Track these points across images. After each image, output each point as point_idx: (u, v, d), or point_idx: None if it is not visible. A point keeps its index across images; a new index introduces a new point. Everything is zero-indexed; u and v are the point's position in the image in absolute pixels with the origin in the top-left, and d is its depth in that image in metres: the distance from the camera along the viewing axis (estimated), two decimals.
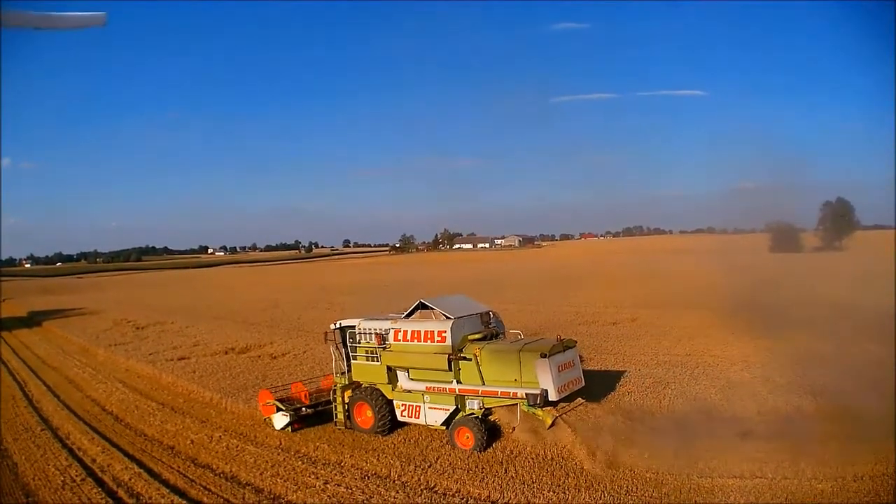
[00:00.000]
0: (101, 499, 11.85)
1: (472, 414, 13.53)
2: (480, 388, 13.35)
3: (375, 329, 14.89)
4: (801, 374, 16.81)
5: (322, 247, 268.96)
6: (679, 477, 11.06)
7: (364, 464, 12.91)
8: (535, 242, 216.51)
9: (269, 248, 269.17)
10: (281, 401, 15.76)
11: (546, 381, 12.45)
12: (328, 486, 11.76)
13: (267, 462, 13.36)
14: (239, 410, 17.41)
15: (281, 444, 14.68)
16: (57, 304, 59.43)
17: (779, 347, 20.01)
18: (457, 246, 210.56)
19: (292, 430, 15.46)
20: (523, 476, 11.58)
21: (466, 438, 13.17)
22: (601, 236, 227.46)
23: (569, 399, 13.40)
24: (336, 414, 15.60)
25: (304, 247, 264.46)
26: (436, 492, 11.30)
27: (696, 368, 19.14)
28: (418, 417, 14.54)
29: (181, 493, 11.89)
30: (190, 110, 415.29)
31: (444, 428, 14.02)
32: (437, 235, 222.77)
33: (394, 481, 11.87)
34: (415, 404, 14.51)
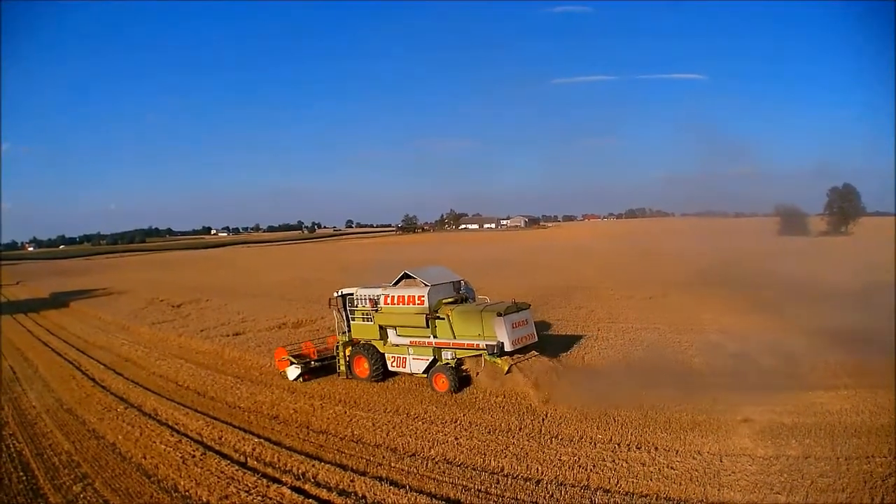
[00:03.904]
0: (236, 470, 11.14)
1: (447, 363, 16.12)
2: (452, 341, 16.01)
3: (369, 295, 17.60)
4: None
5: (325, 227, 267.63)
6: None
7: (480, 421, 13.26)
8: (540, 223, 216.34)
9: (271, 229, 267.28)
10: (294, 356, 18.36)
11: (502, 335, 15.01)
12: (460, 440, 12.01)
13: (386, 424, 13.42)
14: (326, 380, 17.48)
15: (387, 408, 14.85)
16: (75, 285, 58.43)
17: (799, 319, 20.70)
18: (463, 226, 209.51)
19: (303, 380, 17.86)
20: (635, 423, 12.56)
21: (442, 383, 15.76)
22: (604, 217, 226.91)
23: (524, 351, 15.80)
24: (339, 366, 18.20)
25: (307, 227, 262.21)
26: (562, 439, 11.85)
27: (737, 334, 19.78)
28: (405, 367, 17.07)
29: (316, 458, 11.63)
30: (190, 93, 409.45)
31: (425, 375, 16.48)
32: (442, 215, 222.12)
33: (516, 433, 12.29)
34: (401, 356, 17.13)
